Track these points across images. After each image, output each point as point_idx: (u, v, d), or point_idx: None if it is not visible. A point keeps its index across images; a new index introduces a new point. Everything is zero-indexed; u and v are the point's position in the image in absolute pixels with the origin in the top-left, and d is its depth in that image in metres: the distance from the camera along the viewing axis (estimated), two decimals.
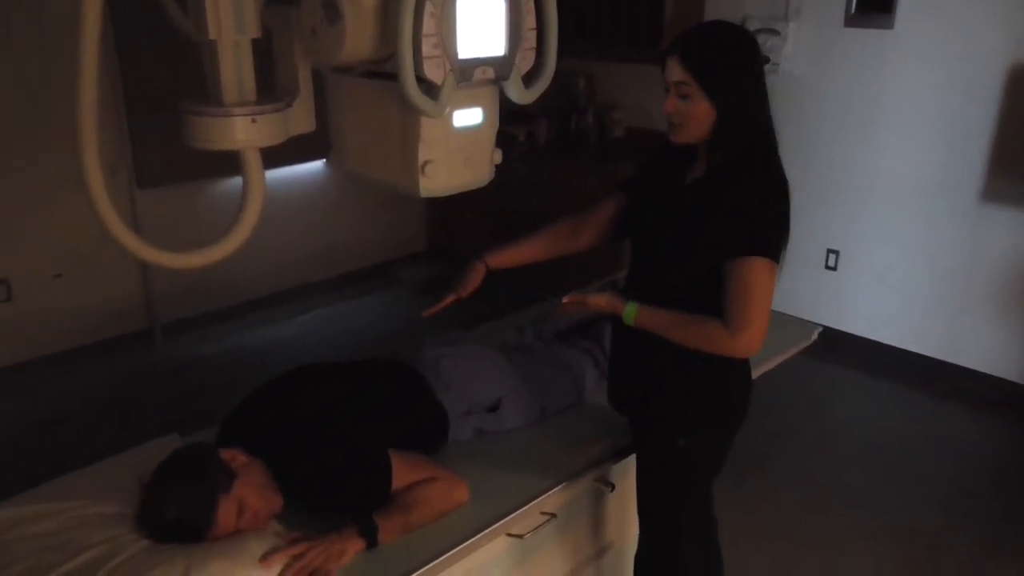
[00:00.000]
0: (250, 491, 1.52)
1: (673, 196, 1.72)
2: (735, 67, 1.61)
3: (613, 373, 1.90)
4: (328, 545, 1.49)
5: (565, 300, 1.78)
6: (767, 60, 3.96)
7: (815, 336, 2.52)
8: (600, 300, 1.74)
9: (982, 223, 3.65)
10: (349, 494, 1.62)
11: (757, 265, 1.57)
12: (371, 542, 1.53)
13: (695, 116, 1.62)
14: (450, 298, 1.94)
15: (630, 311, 1.69)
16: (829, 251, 4.10)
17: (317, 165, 4.68)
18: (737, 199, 1.59)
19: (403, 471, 1.64)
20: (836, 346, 4.02)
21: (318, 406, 1.73)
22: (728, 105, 1.60)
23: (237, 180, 1.52)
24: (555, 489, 1.78)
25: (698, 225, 1.62)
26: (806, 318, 2.61)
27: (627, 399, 1.87)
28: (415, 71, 1.32)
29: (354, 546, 1.51)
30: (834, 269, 4.11)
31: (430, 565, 1.53)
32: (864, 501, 3.02)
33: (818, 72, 3.95)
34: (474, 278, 1.97)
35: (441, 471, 1.70)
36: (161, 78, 3.61)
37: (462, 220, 5.11)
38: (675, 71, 1.61)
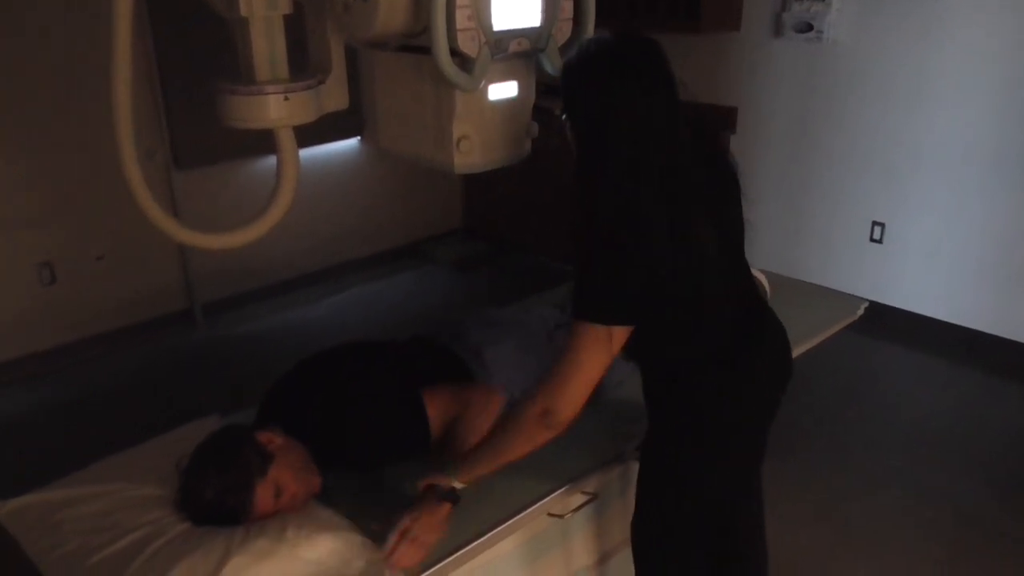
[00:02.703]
0: (287, 474, 1.52)
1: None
2: (600, 97, 1.38)
3: None
4: (426, 518, 1.47)
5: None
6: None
7: (861, 311, 2.46)
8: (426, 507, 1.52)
9: None
10: (388, 446, 1.65)
11: (578, 328, 1.42)
12: (453, 499, 1.51)
13: (571, 141, 1.46)
14: None
15: (453, 478, 1.53)
16: (875, 223, 4.00)
17: (352, 143, 4.68)
18: (580, 257, 1.42)
19: (436, 408, 1.67)
20: (882, 321, 3.94)
21: (358, 386, 1.72)
22: (586, 139, 1.42)
23: (275, 159, 1.51)
24: (596, 469, 1.76)
25: None
26: (851, 292, 2.55)
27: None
28: (449, 44, 1.29)
29: (444, 511, 1.50)
30: (880, 242, 4.02)
31: (472, 545, 1.52)
32: (912, 480, 2.95)
33: (864, 39, 3.83)
34: None
35: (470, 394, 1.72)
36: (197, 59, 3.62)
37: (498, 196, 5.08)
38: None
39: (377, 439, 1.66)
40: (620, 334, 1.43)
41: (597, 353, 1.42)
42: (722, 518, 1.89)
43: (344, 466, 1.67)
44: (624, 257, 1.38)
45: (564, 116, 1.45)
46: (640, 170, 1.39)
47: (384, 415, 1.67)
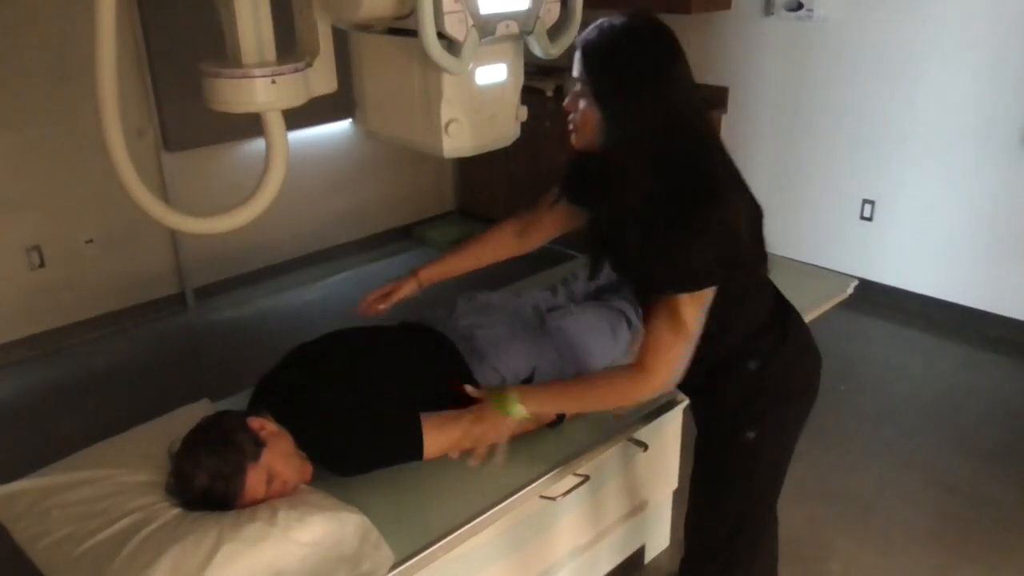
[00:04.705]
0: (278, 460, 1.51)
1: (608, 210, 1.55)
2: (632, 81, 1.38)
3: None
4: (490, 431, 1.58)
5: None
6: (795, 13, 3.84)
7: (851, 289, 2.47)
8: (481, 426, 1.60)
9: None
10: (376, 460, 1.63)
11: (672, 301, 1.44)
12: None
13: (588, 122, 1.45)
14: (379, 306, 2.02)
15: (513, 409, 1.56)
16: (864, 201, 4.00)
17: (343, 125, 4.65)
18: (649, 236, 1.43)
19: (437, 435, 1.63)
20: (872, 298, 3.96)
21: (348, 381, 1.71)
22: (615, 121, 1.40)
23: None
24: (587, 451, 1.76)
25: (628, 247, 1.51)
26: (840, 270, 2.56)
27: (688, 390, 1.78)
28: (436, 27, 1.28)
29: (506, 425, 1.58)
30: (869, 219, 4.02)
31: (463, 529, 1.53)
32: (903, 455, 2.98)
33: (855, 17, 3.81)
34: (403, 289, 2.04)
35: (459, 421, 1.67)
36: (186, 39, 3.58)
37: (490, 179, 5.06)
38: (576, 66, 1.43)
39: (366, 453, 1.62)
40: (709, 292, 1.45)
41: (694, 316, 1.44)
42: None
43: (328, 469, 1.63)
44: (709, 219, 1.39)
45: (585, 93, 1.43)
46: (703, 137, 1.44)
47: (377, 431, 1.63)
